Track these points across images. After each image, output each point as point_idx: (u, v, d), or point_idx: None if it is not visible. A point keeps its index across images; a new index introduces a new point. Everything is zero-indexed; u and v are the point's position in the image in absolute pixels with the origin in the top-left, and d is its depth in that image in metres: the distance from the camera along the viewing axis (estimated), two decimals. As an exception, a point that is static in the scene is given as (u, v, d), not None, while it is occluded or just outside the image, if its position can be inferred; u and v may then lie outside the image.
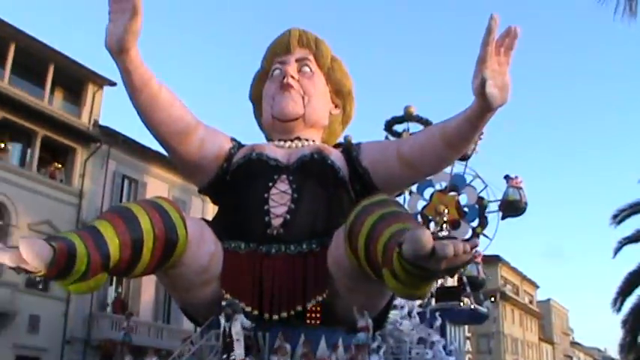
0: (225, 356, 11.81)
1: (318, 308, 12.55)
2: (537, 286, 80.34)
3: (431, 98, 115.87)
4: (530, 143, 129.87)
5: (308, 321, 12.59)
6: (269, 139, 15.26)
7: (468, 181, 27.61)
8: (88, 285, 9.89)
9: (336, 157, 13.89)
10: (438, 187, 28.03)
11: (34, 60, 29.10)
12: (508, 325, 67.01)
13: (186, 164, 14.34)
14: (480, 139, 27.20)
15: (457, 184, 27.90)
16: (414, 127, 26.01)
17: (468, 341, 29.62)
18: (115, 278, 31.18)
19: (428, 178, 28.34)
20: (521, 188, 27.02)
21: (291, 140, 14.36)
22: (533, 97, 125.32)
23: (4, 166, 27.49)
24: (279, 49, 15.14)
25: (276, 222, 13.10)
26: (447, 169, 27.93)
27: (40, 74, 29.56)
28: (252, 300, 12.53)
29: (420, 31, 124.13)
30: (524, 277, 74.89)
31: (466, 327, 29.56)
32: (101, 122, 31.70)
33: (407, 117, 26.58)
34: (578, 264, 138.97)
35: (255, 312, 12.48)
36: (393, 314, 16.12)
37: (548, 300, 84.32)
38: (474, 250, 7.94)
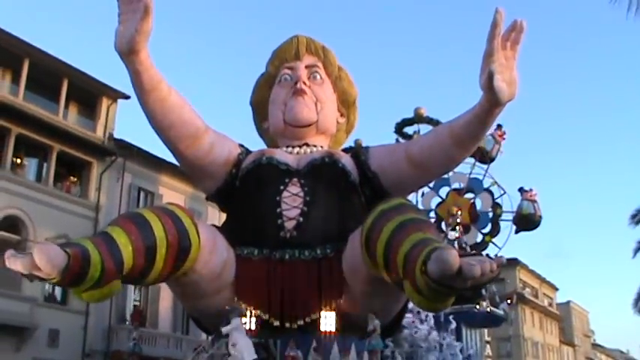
0: None
1: (334, 315, 12.44)
2: (557, 289, 79.89)
3: (441, 99, 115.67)
4: (546, 141, 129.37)
5: (323, 328, 12.47)
6: (270, 145, 15.13)
7: (486, 186, 27.56)
8: (101, 292, 9.72)
9: (346, 160, 13.77)
10: (455, 186, 27.99)
11: (48, 75, 29.29)
12: (528, 329, 66.63)
13: (194, 169, 14.23)
14: (504, 139, 27.16)
15: (474, 187, 27.85)
16: (425, 128, 25.64)
17: (488, 345, 29.50)
18: (133, 290, 31.40)
19: (445, 176, 28.34)
20: (535, 201, 26.78)
21: (300, 146, 14.30)
22: (547, 95, 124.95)
23: (21, 182, 27.68)
24: (287, 55, 15.00)
25: (289, 225, 12.86)
26: (466, 170, 27.94)
27: (54, 89, 29.76)
28: (267, 307, 12.43)
29: (429, 30, 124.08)
30: (543, 280, 74.45)
31: (485, 331, 29.44)
32: (116, 135, 31.86)
33: (417, 119, 26.49)
34: (596, 265, 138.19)
35: (271, 320, 12.39)
36: (409, 318, 15.96)
37: (568, 302, 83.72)
38: (500, 269, 7.89)
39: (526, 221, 26.74)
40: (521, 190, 27.11)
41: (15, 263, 8.47)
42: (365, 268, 10.83)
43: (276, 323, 12.22)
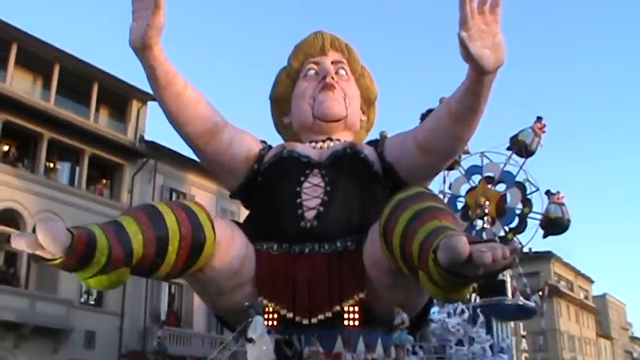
0: None
1: (357, 309, 12.18)
2: (592, 281, 79.01)
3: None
4: (592, 122, 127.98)
5: (346, 322, 12.21)
6: (291, 141, 14.86)
7: (518, 181, 27.22)
8: (109, 279, 9.53)
9: (368, 152, 13.58)
10: (488, 174, 27.71)
11: (79, 80, 29.55)
12: (564, 322, 65.95)
13: (215, 165, 14.16)
14: (544, 132, 26.78)
15: (506, 180, 27.56)
16: None
17: (523, 339, 29.21)
18: (168, 291, 31.57)
19: (478, 164, 28.03)
20: (563, 204, 26.44)
21: (323, 141, 14.12)
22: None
23: (54, 185, 27.98)
24: (312, 50, 14.89)
25: (310, 215, 12.66)
26: (501, 162, 27.61)
27: (85, 93, 30.01)
28: (288, 303, 12.20)
29: (454, 17, 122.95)
30: (578, 273, 73.65)
31: (521, 325, 29.16)
32: (147, 137, 32.05)
33: (443, 109, 26.35)
34: (633, 257, 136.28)
35: (291, 315, 12.16)
36: (436, 312, 15.73)
37: (604, 295, 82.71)
38: (513, 256, 7.55)
39: (554, 225, 26.41)
40: (548, 193, 26.75)
41: (19, 242, 8.39)
42: (385, 260, 10.57)
43: (298, 319, 12.08)
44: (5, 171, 26.22)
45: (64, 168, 29.95)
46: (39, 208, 26.49)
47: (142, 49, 11.20)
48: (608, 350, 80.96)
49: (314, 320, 11.92)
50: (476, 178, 28.29)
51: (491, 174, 27.90)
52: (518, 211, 27.00)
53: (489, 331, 20.08)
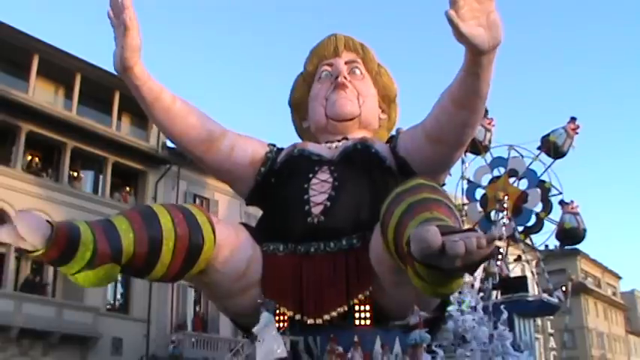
0: None
1: (367, 307, 12.03)
2: (620, 277, 78.35)
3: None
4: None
5: (357, 322, 12.06)
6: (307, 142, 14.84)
7: (540, 181, 26.89)
8: (96, 275, 9.48)
9: (380, 147, 13.40)
10: (512, 167, 27.45)
11: (100, 88, 29.73)
12: (592, 319, 65.46)
13: (220, 174, 14.20)
14: (577, 133, 26.31)
15: (529, 179, 27.20)
16: None
17: (551, 337, 28.96)
18: (194, 296, 31.67)
19: (503, 156, 27.72)
20: (577, 214, 26.00)
21: (339, 141, 14.02)
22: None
23: (78, 194, 28.24)
24: (326, 52, 14.86)
25: (317, 210, 12.45)
26: (528, 157, 27.24)
27: (107, 102, 30.21)
28: (294, 304, 12.07)
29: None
30: (605, 269, 73.08)
31: (548, 323, 28.94)
32: (169, 144, 32.10)
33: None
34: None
35: (297, 316, 12.02)
36: (454, 310, 15.48)
37: (633, 291, 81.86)
38: (493, 244, 7.16)
39: (569, 235, 26.04)
40: (561, 202, 26.33)
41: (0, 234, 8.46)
42: (388, 257, 10.36)
43: (304, 319, 11.94)
44: (29, 181, 26.50)
45: (87, 176, 30.22)
46: (63, 216, 26.60)
47: (122, 71, 11.49)
48: (639, 347, 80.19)
49: (317, 320, 11.79)
50: (497, 172, 27.95)
51: (515, 168, 27.53)
52: (535, 212, 26.68)
53: (511, 328, 19.74)
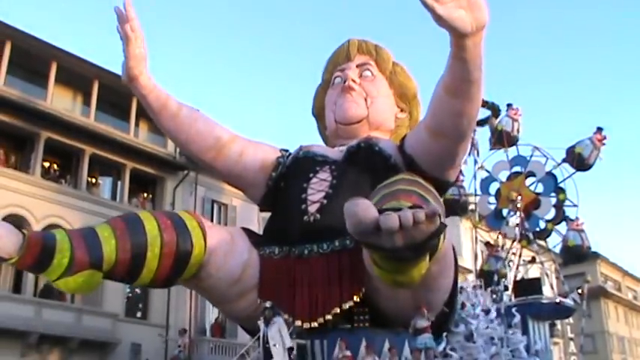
0: None
1: (366, 309, 11.91)
2: (641, 281, 77.66)
3: (497, 84, 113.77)
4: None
5: (355, 324, 11.95)
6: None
7: (555, 191, 26.50)
8: (76, 281, 9.61)
9: (385, 144, 13.31)
10: (530, 169, 27.10)
11: (118, 95, 29.78)
12: (612, 323, 64.86)
13: (231, 179, 14.26)
14: (604, 144, 25.71)
15: (544, 184, 26.78)
16: (481, 112, 24.66)
17: (571, 342, 28.64)
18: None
19: (525, 155, 27.36)
20: (582, 231, 25.50)
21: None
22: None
23: (96, 200, 28.36)
24: (339, 59, 14.96)
25: (313, 208, 12.41)
26: (543, 161, 26.85)
27: (124, 108, 30.33)
28: (289, 307, 11.98)
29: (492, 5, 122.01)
30: (625, 273, 72.42)
31: (568, 327, 28.60)
32: (186, 150, 32.21)
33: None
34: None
35: (292, 320, 11.90)
36: (466, 312, 15.33)
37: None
38: (435, 218, 6.81)
39: (573, 253, 25.60)
40: (566, 219, 25.89)
41: None
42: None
43: (298, 322, 11.84)
44: (48, 187, 26.64)
45: (105, 183, 30.38)
46: (82, 223, 26.69)
47: (128, 80, 11.72)
48: (659, 351, 79.46)
49: (314, 324, 11.71)
50: (515, 169, 27.58)
51: (533, 171, 27.15)
52: (543, 222, 26.36)
53: (525, 331, 19.41)
